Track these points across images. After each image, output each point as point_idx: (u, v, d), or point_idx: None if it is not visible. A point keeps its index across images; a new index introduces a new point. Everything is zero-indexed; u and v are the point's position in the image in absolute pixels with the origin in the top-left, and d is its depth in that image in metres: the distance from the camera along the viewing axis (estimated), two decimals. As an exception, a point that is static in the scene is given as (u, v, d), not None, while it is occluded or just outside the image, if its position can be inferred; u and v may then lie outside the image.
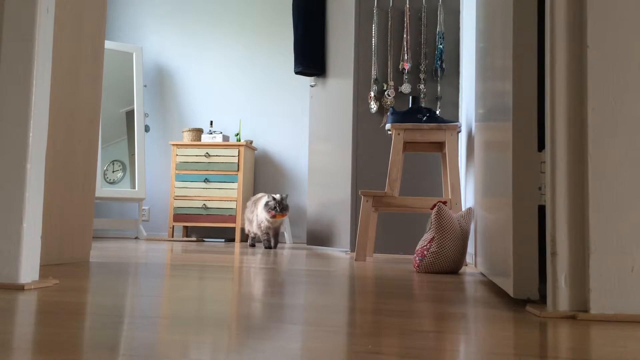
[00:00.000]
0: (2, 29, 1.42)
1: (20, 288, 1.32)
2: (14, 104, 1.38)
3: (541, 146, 1.36)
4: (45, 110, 1.44)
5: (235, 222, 5.07)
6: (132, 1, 5.92)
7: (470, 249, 2.94)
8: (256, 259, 2.85)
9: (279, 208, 3.86)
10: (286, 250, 3.88)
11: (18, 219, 1.35)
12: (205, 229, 5.54)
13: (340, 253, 3.72)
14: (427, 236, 2.37)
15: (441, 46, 3.69)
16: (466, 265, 2.86)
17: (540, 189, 1.34)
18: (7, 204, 1.35)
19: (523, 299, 1.37)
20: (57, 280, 1.49)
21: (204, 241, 5.13)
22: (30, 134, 1.38)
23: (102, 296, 1.28)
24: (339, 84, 4.07)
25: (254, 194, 5.58)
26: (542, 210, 1.34)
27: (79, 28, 2.28)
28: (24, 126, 1.37)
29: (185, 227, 5.38)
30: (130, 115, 5.45)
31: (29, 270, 1.37)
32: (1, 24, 1.42)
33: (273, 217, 3.85)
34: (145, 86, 5.71)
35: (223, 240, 5.35)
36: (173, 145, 5.23)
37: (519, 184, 1.37)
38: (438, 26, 3.73)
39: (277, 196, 3.88)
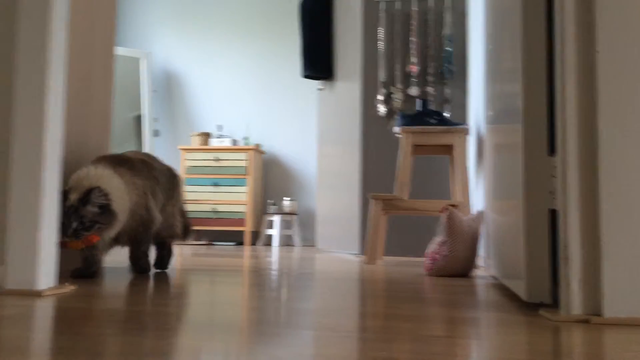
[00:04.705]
0: (16, 39, 1.44)
1: (38, 294, 1.34)
2: (29, 114, 1.40)
3: (552, 150, 1.36)
4: (60, 118, 1.46)
5: (244, 225, 5.09)
6: (140, 7, 5.97)
7: (481, 251, 2.94)
8: (266, 261, 2.86)
9: (75, 226, 1.65)
10: (296, 253, 3.89)
11: (35, 226, 1.37)
12: (215, 232, 5.57)
13: (350, 256, 3.73)
14: (438, 240, 2.37)
15: (449, 48, 3.69)
16: (477, 268, 2.86)
17: (551, 193, 1.34)
18: (24, 212, 1.38)
19: (536, 303, 1.37)
20: (74, 286, 1.51)
21: (213, 244, 5.15)
22: (46, 143, 1.40)
23: (118, 302, 1.30)
24: (347, 87, 4.08)
25: (263, 197, 5.60)
26: (553, 213, 1.35)
27: (90, 35, 2.31)
28: (39, 135, 1.40)
29: (196, 231, 5.41)
30: (138, 120, 5.49)
31: (46, 276, 1.39)
32: (16, 35, 1.45)
33: (63, 246, 1.66)
34: (155, 91, 5.75)
35: (233, 243, 5.37)
36: (182, 149, 5.26)
37: (529, 188, 1.37)
38: (445, 28, 3.73)
39: (72, 195, 1.67)
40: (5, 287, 1.37)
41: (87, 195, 1.67)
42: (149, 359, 0.76)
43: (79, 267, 1.82)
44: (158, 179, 2.04)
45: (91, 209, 1.67)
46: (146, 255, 2.02)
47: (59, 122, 1.46)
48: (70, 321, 1.04)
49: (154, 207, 1.95)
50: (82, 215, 1.65)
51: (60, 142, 1.46)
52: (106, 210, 1.70)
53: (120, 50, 5.45)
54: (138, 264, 2.00)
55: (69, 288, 1.47)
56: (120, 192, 1.78)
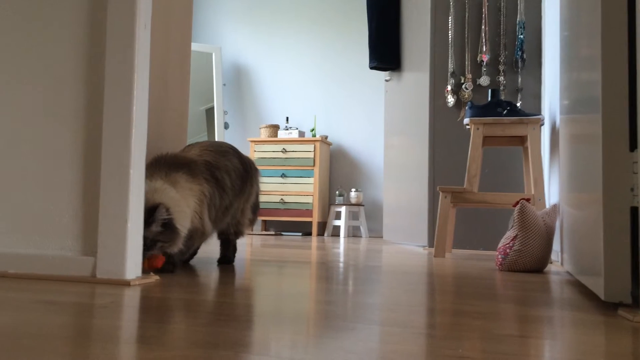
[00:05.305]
0: (105, 44, 1.54)
1: (127, 284, 1.44)
2: (118, 115, 1.51)
3: (633, 144, 1.30)
4: (144, 119, 1.56)
5: (311, 216, 5.17)
6: (210, 3, 6.15)
7: (555, 246, 2.85)
8: (333, 253, 2.91)
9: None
10: (363, 245, 3.92)
11: (123, 219, 1.47)
12: (283, 222, 5.69)
13: (417, 248, 3.71)
14: (509, 234, 2.32)
15: (522, 36, 3.57)
16: (551, 263, 2.78)
17: (632, 190, 1.29)
18: (114, 206, 1.48)
19: (614, 302, 1.33)
20: (158, 276, 1.61)
21: (281, 235, 5.27)
22: (132, 142, 1.50)
23: (198, 293, 1.38)
24: (415, 77, 4.03)
25: (330, 188, 5.65)
26: (635, 210, 1.29)
27: (166, 36, 2.42)
28: (126, 135, 1.50)
29: (264, 221, 5.55)
30: (210, 112, 5.68)
31: (133, 266, 1.50)
32: (104, 39, 1.55)
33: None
34: (224, 85, 5.92)
35: (300, 234, 5.47)
36: (251, 141, 5.40)
37: (609, 184, 1.32)
38: (518, 16, 3.61)
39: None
40: (97, 277, 1.48)
41: (151, 215, 1.58)
42: (228, 349, 0.81)
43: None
44: (221, 180, 1.90)
45: (154, 229, 1.60)
46: (173, 262, 1.76)
47: (144, 122, 1.55)
48: (156, 310, 1.12)
49: (206, 217, 1.81)
50: (144, 237, 1.56)
51: (144, 141, 1.56)
52: (168, 227, 1.62)
53: (193, 46, 5.65)
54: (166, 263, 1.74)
55: (154, 278, 1.57)
56: (178, 204, 1.68)
